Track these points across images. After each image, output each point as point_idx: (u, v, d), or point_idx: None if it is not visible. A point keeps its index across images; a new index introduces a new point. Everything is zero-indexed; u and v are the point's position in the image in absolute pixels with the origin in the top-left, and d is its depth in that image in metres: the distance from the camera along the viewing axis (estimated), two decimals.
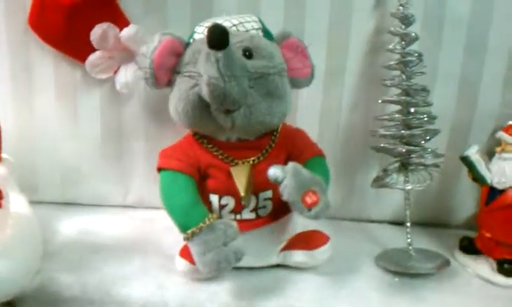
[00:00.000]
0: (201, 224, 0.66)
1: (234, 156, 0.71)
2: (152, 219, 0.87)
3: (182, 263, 0.70)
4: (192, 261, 0.68)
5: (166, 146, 0.84)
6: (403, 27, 0.77)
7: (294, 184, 0.66)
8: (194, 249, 0.66)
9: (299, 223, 0.76)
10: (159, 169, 0.72)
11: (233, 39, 0.64)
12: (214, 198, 0.71)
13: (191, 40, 0.71)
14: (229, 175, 0.70)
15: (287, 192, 0.66)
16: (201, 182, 0.71)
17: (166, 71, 0.70)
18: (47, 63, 0.83)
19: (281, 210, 0.72)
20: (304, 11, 0.81)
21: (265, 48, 0.69)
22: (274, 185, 0.68)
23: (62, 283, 0.68)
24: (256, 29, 0.71)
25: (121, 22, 0.80)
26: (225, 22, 0.69)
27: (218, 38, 0.61)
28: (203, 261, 0.65)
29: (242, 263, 0.68)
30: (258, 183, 0.70)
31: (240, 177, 0.70)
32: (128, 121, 0.86)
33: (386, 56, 0.81)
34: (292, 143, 0.74)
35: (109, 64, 0.81)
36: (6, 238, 0.65)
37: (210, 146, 0.71)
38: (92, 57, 0.81)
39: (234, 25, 0.69)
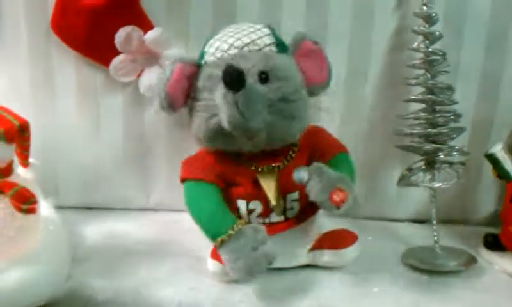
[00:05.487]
0: (230, 232, 0.66)
1: (259, 164, 0.71)
2: (175, 221, 0.86)
3: (213, 264, 0.70)
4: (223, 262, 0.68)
5: (188, 148, 0.84)
6: (427, 26, 0.78)
7: (319, 184, 0.66)
8: (225, 257, 0.66)
9: (326, 223, 0.76)
10: (183, 180, 0.72)
11: (247, 64, 0.65)
12: (241, 204, 0.71)
13: (203, 62, 0.70)
14: (255, 181, 0.70)
15: (313, 192, 0.67)
16: (228, 189, 0.72)
17: (182, 96, 0.70)
18: (68, 66, 0.83)
19: (308, 209, 0.73)
20: (327, 11, 0.82)
21: (281, 69, 0.68)
22: (300, 186, 0.69)
23: (94, 288, 0.68)
24: (269, 45, 0.70)
25: (144, 25, 0.80)
26: (236, 41, 0.68)
27: (235, 80, 0.62)
28: (235, 268, 0.65)
29: (272, 264, 0.68)
30: (285, 186, 0.71)
31: (269, 185, 0.70)
32: (151, 124, 0.86)
33: (408, 55, 0.81)
34: (314, 142, 0.74)
35: (133, 67, 0.81)
36: (37, 243, 0.65)
37: (233, 156, 0.71)
38: (116, 61, 0.80)
39: (246, 44, 0.68)
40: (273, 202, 0.70)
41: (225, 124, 0.65)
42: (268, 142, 0.68)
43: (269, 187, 0.70)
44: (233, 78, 0.62)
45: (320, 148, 0.74)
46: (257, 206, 0.71)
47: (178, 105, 0.71)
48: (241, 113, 0.62)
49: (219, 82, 0.65)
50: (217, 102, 0.65)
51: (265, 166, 0.71)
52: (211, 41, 0.71)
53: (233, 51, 0.68)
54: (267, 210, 0.71)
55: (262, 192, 0.71)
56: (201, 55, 0.71)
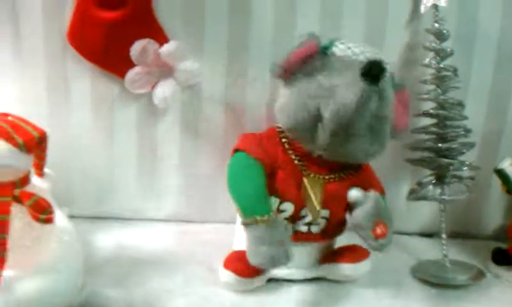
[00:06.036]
0: (267, 216, 0.66)
1: (309, 167, 0.71)
2: (186, 232, 0.87)
3: (226, 275, 0.70)
4: (236, 273, 0.69)
5: (200, 160, 0.85)
6: (438, 42, 0.79)
7: (372, 211, 0.68)
8: (251, 236, 0.66)
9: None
10: (237, 150, 0.71)
11: None
12: (274, 202, 0.70)
13: (328, 51, 0.70)
14: (299, 184, 0.70)
15: (362, 216, 0.68)
16: (269, 181, 0.70)
17: (295, 68, 0.69)
18: (84, 77, 0.83)
19: (332, 231, 0.74)
20: (339, 26, 0.83)
21: (389, 93, 0.69)
22: (333, 206, 0.70)
23: (107, 298, 0.68)
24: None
25: (160, 38, 0.81)
26: (366, 52, 0.69)
27: (377, 73, 0.63)
28: (257, 251, 0.65)
29: (285, 275, 0.71)
30: (323, 199, 0.71)
31: (315, 190, 0.70)
32: (164, 135, 0.87)
33: (419, 71, 0.82)
34: (359, 174, 0.74)
35: (147, 80, 0.82)
36: (52, 253, 0.66)
37: (290, 150, 0.71)
38: (131, 73, 0.81)
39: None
40: (318, 207, 0.69)
41: (332, 107, 0.64)
42: (340, 153, 0.69)
43: (315, 191, 0.70)
44: (376, 72, 0.63)
45: (363, 182, 0.73)
46: (289, 209, 0.70)
47: (289, 75, 0.69)
48: (363, 104, 0.63)
49: (343, 70, 0.66)
50: (336, 84, 0.65)
51: (313, 173, 0.71)
52: (344, 41, 0.71)
53: (362, 57, 0.68)
54: (296, 216, 0.71)
55: (299, 196, 0.70)
56: (328, 45, 0.70)
